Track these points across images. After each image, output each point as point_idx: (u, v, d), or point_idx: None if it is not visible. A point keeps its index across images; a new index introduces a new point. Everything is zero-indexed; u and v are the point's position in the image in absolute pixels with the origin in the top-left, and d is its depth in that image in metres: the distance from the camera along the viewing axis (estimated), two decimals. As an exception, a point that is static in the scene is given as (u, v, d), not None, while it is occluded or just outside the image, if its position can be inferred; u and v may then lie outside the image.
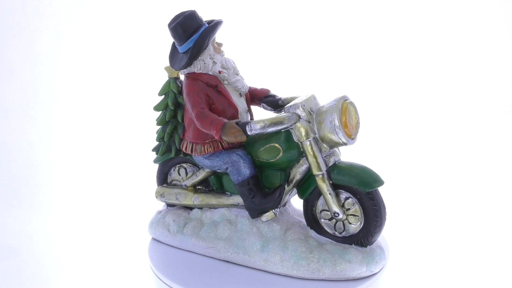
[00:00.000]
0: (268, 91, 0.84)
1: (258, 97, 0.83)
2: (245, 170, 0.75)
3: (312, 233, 0.76)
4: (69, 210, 1.18)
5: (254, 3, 1.46)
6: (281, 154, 0.74)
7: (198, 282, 0.72)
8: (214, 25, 0.76)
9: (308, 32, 1.47)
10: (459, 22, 1.42)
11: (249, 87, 0.83)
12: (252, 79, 0.85)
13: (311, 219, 0.76)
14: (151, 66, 1.45)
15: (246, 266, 0.76)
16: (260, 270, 0.75)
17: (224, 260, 0.79)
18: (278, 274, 0.73)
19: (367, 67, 1.47)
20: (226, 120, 0.72)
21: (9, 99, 1.41)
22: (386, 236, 0.86)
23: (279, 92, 0.85)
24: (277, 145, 0.74)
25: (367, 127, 1.43)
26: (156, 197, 0.88)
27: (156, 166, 0.89)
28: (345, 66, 1.47)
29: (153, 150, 0.87)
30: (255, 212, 0.76)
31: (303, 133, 0.70)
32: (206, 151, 0.78)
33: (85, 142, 1.42)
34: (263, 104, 0.83)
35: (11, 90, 1.41)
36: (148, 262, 0.80)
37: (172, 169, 0.88)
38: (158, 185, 0.89)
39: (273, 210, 0.75)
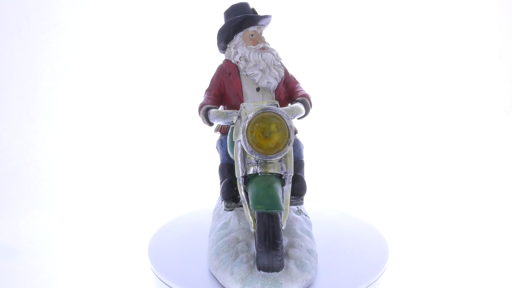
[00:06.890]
0: (304, 95, 0.80)
1: (293, 98, 0.82)
2: (220, 156, 0.81)
3: (253, 239, 0.73)
4: (69, 210, 1.18)
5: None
6: (229, 148, 0.76)
7: (198, 282, 0.72)
8: (233, 20, 0.79)
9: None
10: (459, 22, 1.42)
11: (295, 88, 0.82)
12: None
13: None
14: (147, 68, 1.46)
15: None
16: None
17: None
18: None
19: (367, 67, 1.47)
20: (206, 105, 0.76)
21: (9, 98, 1.41)
22: (386, 236, 0.86)
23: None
24: (228, 138, 0.76)
25: (367, 127, 1.44)
26: None
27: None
28: (344, 66, 1.47)
29: None
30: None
31: (234, 134, 0.70)
32: (215, 130, 0.85)
33: (84, 143, 1.42)
34: None
35: (11, 89, 1.41)
36: (148, 262, 0.80)
37: None
38: None
39: (224, 202, 0.75)
